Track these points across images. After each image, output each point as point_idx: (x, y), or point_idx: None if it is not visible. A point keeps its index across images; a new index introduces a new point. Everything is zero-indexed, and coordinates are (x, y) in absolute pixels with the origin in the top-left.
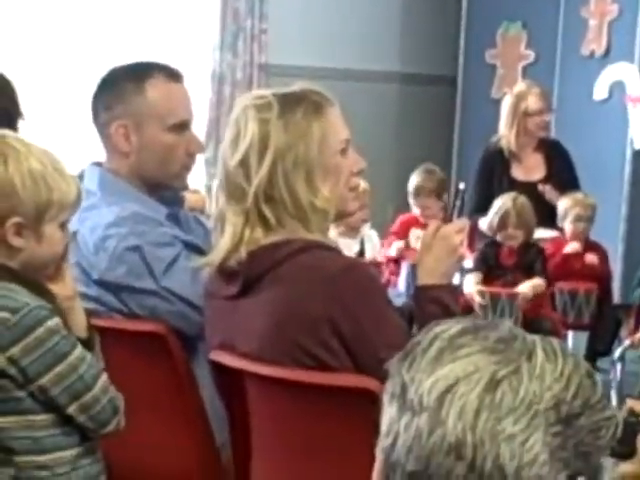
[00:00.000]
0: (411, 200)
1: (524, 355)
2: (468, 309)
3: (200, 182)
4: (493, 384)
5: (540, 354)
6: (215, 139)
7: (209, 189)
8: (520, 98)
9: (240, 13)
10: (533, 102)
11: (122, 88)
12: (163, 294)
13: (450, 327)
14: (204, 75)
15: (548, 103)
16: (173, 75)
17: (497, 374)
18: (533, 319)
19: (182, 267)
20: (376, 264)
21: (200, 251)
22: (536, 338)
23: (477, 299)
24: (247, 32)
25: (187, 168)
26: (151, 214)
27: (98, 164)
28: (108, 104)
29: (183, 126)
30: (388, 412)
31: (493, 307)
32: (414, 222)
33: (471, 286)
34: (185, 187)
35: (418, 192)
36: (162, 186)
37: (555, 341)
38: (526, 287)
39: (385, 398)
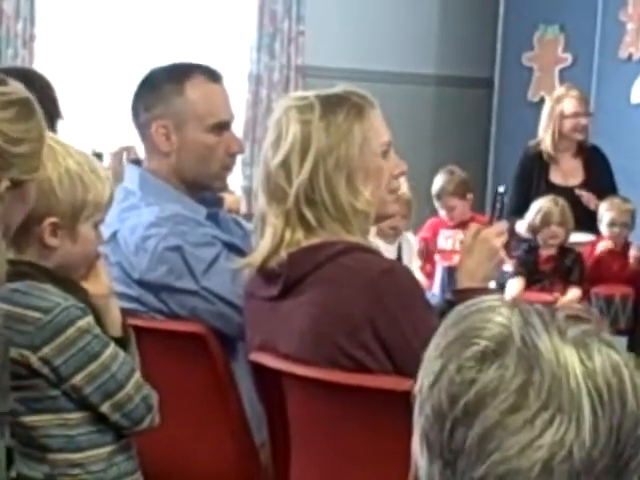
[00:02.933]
0: (435, 203)
1: None
2: None
3: (236, 183)
4: None
5: None
6: (251, 140)
7: (245, 190)
8: (557, 101)
9: (277, 15)
10: (569, 104)
11: (162, 89)
12: (203, 294)
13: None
14: (241, 76)
15: (585, 107)
16: (213, 75)
17: None
18: None
19: (222, 267)
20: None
21: (240, 252)
22: None
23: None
24: (284, 34)
25: (227, 168)
26: (191, 214)
27: (137, 163)
28: (148, 104)
29: (223, 126)
30: None
31: None
32: (442, 224)
33: (513, 292)
34: (225, 188)
35: (440, 194)
36: (202, 186)
37: None
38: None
39: None
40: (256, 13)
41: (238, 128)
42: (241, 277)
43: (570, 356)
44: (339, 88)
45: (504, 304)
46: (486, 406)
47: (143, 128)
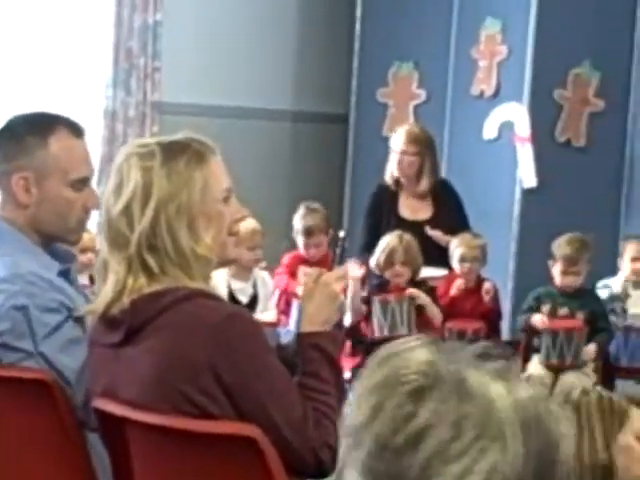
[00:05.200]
0: (301, 240)
1: None
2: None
3: (92, 220)
4: None
5: None
6: (107, 176)
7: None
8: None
9: (133, 51)
10: (393, 140)
11: (25, 141)
12: (38, 359)
13: None
14: (97, 112)
15: (412, 145)
16: (76, 130)
17: None
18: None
19: (63, 337)
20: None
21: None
22: None
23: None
24: (140, 70)
25: (83, 223)
26: (46, 274)
27: None
28: (9, 155)
29: (84, 182)
30: None
31: (383, 313)
32: (301, 260)
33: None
34: (79, 241)
35: (311, 232)
36: (57, 239)
37: None
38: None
39: None
40: (112, 49)
41: (94, 164)
42: (80, 349)
43: (496, 389)
44: (180, 135)
45: (423, 344)
46: (427, 437)
47: (1, 177)
